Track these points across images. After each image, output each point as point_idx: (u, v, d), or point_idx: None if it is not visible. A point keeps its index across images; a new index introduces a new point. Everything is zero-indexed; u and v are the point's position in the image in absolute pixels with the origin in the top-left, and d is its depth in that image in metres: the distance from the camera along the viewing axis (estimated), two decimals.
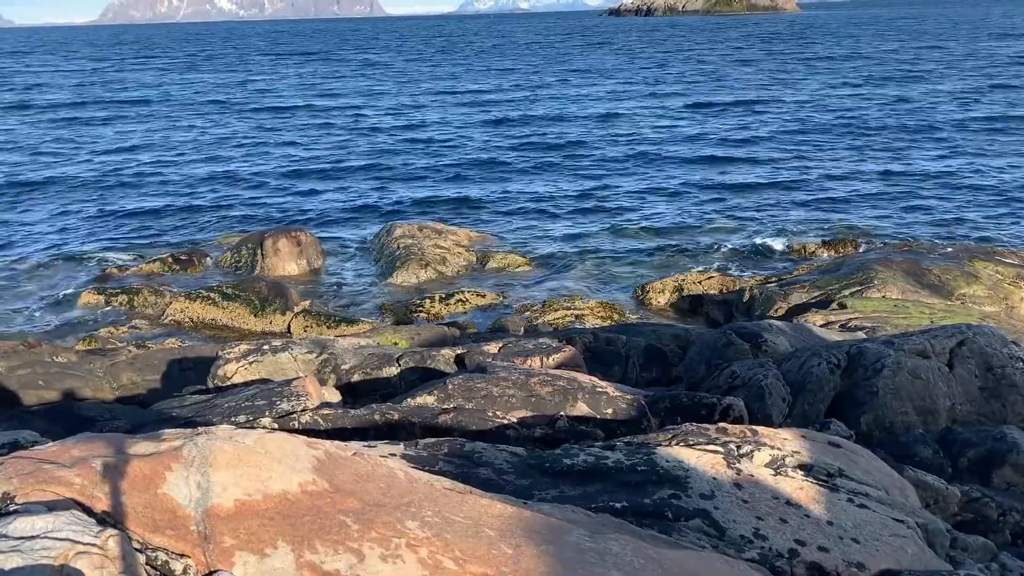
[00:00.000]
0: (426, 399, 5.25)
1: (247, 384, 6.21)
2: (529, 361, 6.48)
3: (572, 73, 61.47)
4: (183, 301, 13.94)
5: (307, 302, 13.99)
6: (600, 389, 5.36)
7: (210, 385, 6.61)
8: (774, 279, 14.09)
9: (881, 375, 6.44)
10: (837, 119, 34.40)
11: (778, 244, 17.55)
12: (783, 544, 3.59)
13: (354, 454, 3.50)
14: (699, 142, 30.50)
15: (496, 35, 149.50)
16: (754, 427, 4.53)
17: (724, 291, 13.96)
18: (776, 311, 11.76)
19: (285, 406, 5.06)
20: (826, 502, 3.88)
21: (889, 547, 3.68)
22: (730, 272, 15.58)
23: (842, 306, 10.96)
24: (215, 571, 2.77)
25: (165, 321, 13.74)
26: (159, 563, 2.75)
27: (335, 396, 5.70)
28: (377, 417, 5.00)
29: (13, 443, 4.23)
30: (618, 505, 3.72)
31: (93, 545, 2.60)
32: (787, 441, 4.34)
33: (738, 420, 5.17)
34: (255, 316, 13.47)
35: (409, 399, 5.31)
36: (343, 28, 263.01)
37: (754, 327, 8.55)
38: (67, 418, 6.68)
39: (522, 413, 5.08)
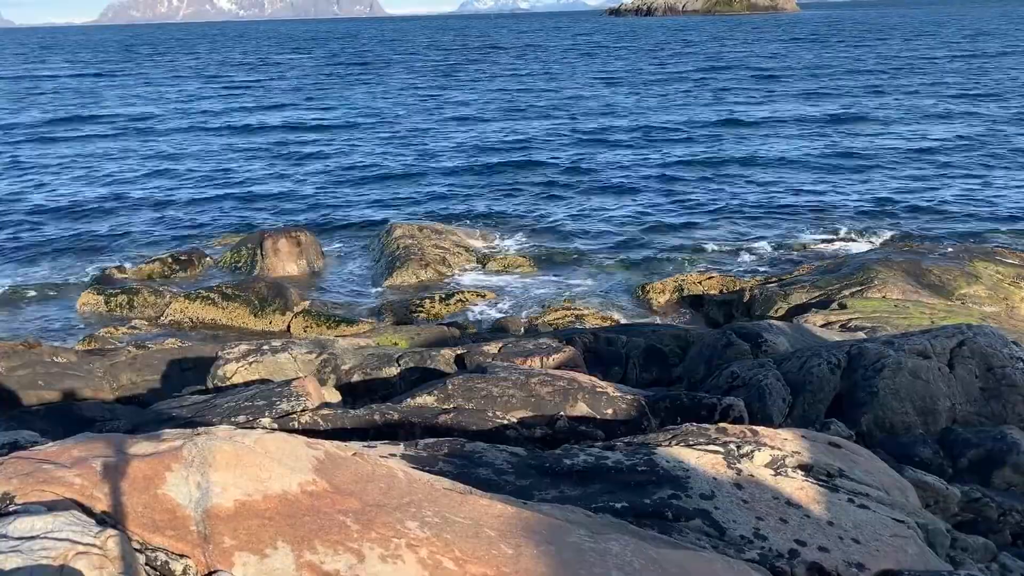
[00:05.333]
0: (426, 399, 5.25)
1: (247, 384, 6.21)
2: (529, 361, 6.49)
3: (575, 73, 61.46)
4: (183, 301, 13.93)
5: (307, 302, 13.99)
6: (600, 389, 5.36)
7: (210, 385, 6.61)
8: (774, 279, 14.07)
9: (881, 375, 6.44)
10: (838, 119, 34.42)
11: (778, 244, 17.54)
12: (783, 544, 3.58)
13: (354, 454, 3.50)
14: (698, 143, 30.51)
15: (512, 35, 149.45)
16: (754, 427, 4.53)
17: (724, 291, 13.95)
18: (776, 311, 11.75)
19: (285, 406, 5.06)
20: (826, 502, 3.88)
21: (889, 547, 3.68)
22: (730, 272, 15.57)
23: (842, 306, 10.95)
24: (215, 571, 2.77)
25: (165, 321, 13.73)
26: (159, 563, 2.75)
27: (335, 396, 5.71)
28: (377, 417, 5.00)
29: (13, 443, 4.23)
30: (618, 505, 3.72)
31: (93, 545, 2.60)
32: (787, 441, 4.34)
33: (738, 420, 5.17)
34: (255, 316, 13.47)
35: (409, 399, 5.31)
36: (350, 28, 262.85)
37: (754, 327, 8.55)
38: (67, 418, 6.70)
39: (522, 413, 5.08)
